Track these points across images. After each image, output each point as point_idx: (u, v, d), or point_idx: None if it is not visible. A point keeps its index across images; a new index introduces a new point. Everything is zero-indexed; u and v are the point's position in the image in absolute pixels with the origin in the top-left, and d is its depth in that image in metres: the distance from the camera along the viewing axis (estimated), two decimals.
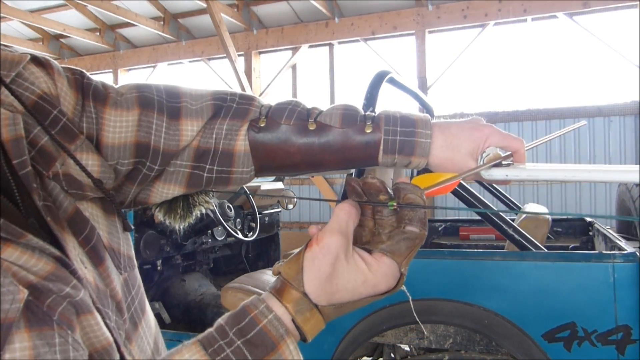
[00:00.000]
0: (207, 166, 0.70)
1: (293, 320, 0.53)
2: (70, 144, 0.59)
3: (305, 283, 0.53)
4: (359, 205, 0.58)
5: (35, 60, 0.61)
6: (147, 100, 0.68)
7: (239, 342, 0.50)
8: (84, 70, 0.67)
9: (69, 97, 0.62)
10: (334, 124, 0.67)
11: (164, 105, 0.69)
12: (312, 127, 0.68)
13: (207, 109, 0.70)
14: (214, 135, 0.69)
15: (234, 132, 0.69)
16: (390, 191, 0.59)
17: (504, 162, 0.67)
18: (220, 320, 0.53)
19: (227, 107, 0.71)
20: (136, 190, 0.71)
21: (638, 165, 0.60)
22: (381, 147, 0.66)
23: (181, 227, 0.89)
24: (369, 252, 0.56)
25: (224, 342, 0.50)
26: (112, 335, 0.54)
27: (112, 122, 0.65)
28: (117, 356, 0.54)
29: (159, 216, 0.90)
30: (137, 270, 0.69)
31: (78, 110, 0.63)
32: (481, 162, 0.66)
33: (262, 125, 0.69)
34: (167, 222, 0.87)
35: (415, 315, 0.70)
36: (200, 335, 0.52)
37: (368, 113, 0.69)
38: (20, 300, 0.44)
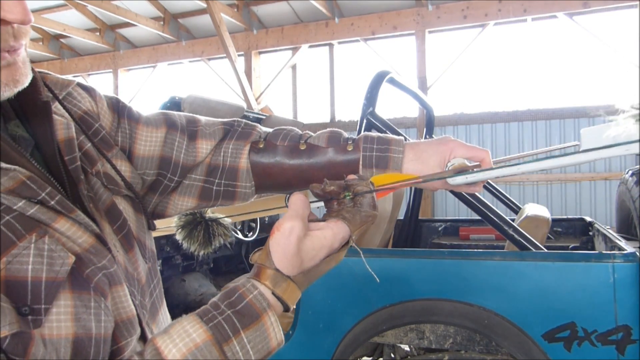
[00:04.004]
0: (216, 180, 0.83)
1: (273, 293, 0.61)
2: (108, 151, 0.72)
3: (275, 262, 0.61)
4: (325, 202, 0.70)
5: (81, 85, 0.76)
6: (172, 122, 0.82)
7: (229, 312, 0.58)
8: (118, 97, 0.82)
9: (107, 115, 0.77)
10: (321, 144, 0.80)
11: (185, 128, 0.83)
12: (302, 147, 0.80)
13: (219, 132, 0.84)
14: (222, 153, 0.83)
15: (239, 151, 0.82)
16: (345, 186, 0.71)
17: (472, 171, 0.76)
18: (213, 298, 0.62)
19: (234, 131, 0.84)
20: (156, 201, 0.83)
21: (580, 151, 0.66)
22: (360, 163, 0.78)
23: (200, 253, 0.98)
24: (324, 221, 0.67)
25: (217, 312, 0.58)
26: (136, 310, 0.65)
27: (144, 137, 0.79)
28: (139, 329, 0.65)
29: (179, 237, 1.00)
30: (157, 265, 0.80)
31: (114, 126, 0.77)
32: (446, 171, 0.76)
33: (261, 146, 0.82)
34: (185, 246, 0.98)
35: (366, 265, 0.80)
36: (197, 310, 0.60)
37: (350, 135, 0.82)
38: (69, 264, 0.55)
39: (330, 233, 0.64)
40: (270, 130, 0.85)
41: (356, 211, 0.67)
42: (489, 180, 2.72)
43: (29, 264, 0.52)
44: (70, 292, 0.55)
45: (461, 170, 0.75)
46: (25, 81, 0.58)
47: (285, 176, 0.81)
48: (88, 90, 0.76)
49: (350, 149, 0.78)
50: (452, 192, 1.91)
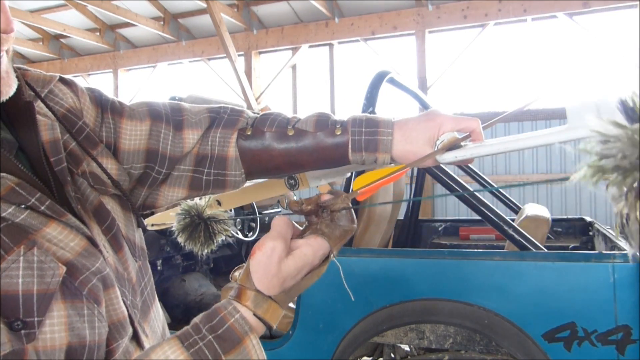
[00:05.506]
0: (205, 170, 0.81)
1: (255, 315, 0.60)
2: (93, 149, 0.70)
3: (255, 282, 0.61)
4: (305, 217, 0.70)
5: (63, 80, 0.73)
6: (157, 113, 0.80)
7: (210, 337, 0.58)
8: (100, 90, 0.79)
9: (91, 110, 0.74)
10: (309, 128, 0.79)
11: (170, 118, 0.81)
12: (290, 133, 0.79)
13: (205, 120, 0.82)
14: (209, 143, 0.81)
15: (227, 139, 0.80)
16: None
17: (463, 143, 0.75)
18: (195, 319, 0.61)
19: (220, 118, 0.82)
20: (146, 194, 0.81)
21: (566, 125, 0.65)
22: (349, 146, 0.77)
23: (203, 253, 1.00)
24: (302, 238, 0.66)
25: (198, 337, 0.58)
26: (128, 311, 0.65)
27: (128, 131, 0.77)
28: (131, 329, 0.65)
29: (181, 240, 1.02)
30: (148, 262, 0.79)
31: (98, 122, 0.75)
32: (436, 149, 0.74)
33: (249, 133, 0.80)
34: (188, 248, 1.03)
35: (344, 282, 0.80)
36: (178, 332, 0.59)
37: (338, 118, 0.80)
38: (59, 275, 0.55)
39: (310, 250, 0.63)
40: (258, 115, 0.84)
41: (335, 226, 0.68)
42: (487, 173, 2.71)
43: (19, 277, 0.52)
44: (62, 302, 0.54)
45: (451, 147, 0.73)
46: (9, 91, 0.57)
47: (275, 162, 0.80)
48: (70, 84, 0.74)
49: (338, 133, 0.77)
50: (450, 190, 1.91)
